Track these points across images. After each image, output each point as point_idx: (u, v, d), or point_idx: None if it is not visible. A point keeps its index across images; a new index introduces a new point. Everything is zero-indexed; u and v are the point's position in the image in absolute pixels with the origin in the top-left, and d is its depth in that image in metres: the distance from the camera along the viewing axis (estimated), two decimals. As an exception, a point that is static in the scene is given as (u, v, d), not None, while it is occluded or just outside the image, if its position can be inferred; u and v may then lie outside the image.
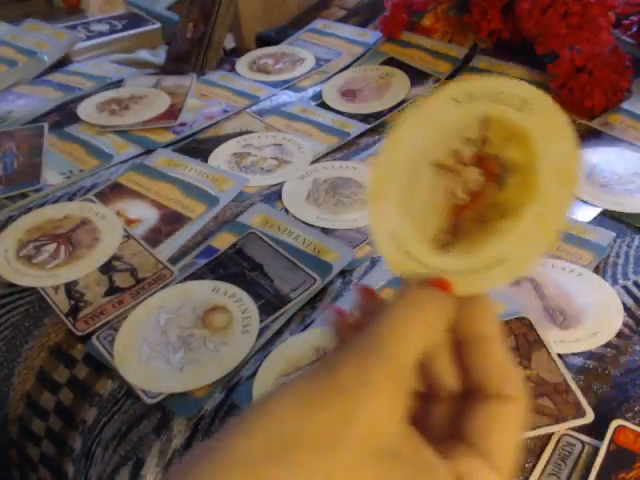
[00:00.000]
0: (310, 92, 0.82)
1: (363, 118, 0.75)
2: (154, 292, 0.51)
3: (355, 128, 0.73)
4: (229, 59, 0.93)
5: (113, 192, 0.63)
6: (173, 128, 0.74)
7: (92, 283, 0.53)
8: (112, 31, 1.01)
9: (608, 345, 0.46)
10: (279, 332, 0.48)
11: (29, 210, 0.61)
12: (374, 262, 0.54)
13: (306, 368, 0.20)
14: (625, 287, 0.51)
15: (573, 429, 0.40)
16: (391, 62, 0.87)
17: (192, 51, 0.89)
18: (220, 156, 0.69)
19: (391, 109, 0.76)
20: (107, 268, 0.54)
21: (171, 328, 0.48)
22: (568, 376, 0.42)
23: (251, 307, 0.49)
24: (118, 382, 0.46)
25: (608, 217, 0.58)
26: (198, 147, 0.71)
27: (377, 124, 0.74)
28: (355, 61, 0.89)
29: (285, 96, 0.81)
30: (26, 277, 0.53)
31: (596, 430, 0.40)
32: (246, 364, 0.46)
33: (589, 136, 0.69)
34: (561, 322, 0.47)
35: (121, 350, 0.47)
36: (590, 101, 0.72)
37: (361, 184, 0.63)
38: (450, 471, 0.22)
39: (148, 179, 0.65)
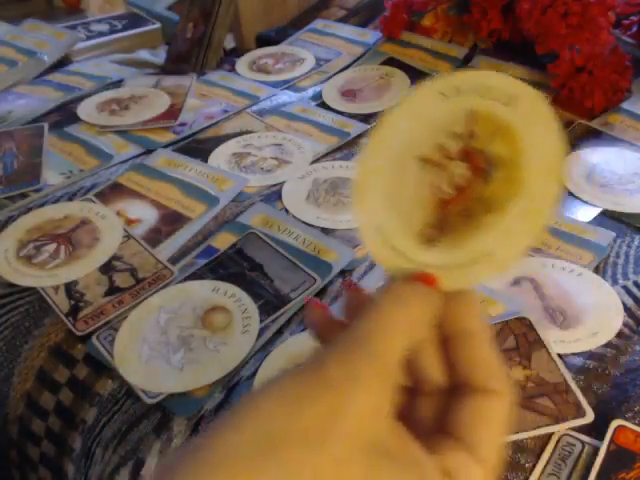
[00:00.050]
0: (310, 92, 0.82)
1: (363, 118, 0.75)
2: (154, 292, 0.51)
3: (355, 128, 0.73)
4: (229, 59, 0.93)
5: (113, 192, 0.63)
6: (173, 128, 0.74)
7: (92, 283, 0.53)
8: (112, 31, 1.01)
9: (608, 345, 0.46)
10: (279, 332, 0.48)
11: (29, 210, 0.61)
12: (374, 262, 0.54)
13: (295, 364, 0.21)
14: (625, 287, 0.51)
15: (573, 429, 0.40)
16: (391, 62, 0.87)
17: (192, 51, 0.89)
18: (220, 156, 0.69)
19: (391, 109, 0.76)
20: (107, 268, 0.54)
21: (171, 328, 0.48)
22: (568, 376, 0.42)
23: (251, 307, 0.49)
24: (118, 382, 0.46)
25: (608, 217, 0.58)
26: (198, 147, 0.71)
27: (377, 124, 0.74)
28: (355, 61, 0.89)
29: (285, 96, 0.81)
30: (26, 277, 0.53)
31: (596, 430, 0.40)
32: (246, 364, 0.46)
33: (589, 136, 0.69)
34: (561, 322, 0.47)
35: (121, 350, 0.47)
36: (590, 101, 0.72)
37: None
38: (437, 466, 0.22)
39: (148, 179, 0.65)
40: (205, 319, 0.48)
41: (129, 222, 0.59)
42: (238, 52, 1.00)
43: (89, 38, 0.98)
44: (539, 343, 0.45)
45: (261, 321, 0.48)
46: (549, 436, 0.40)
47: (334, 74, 0.86)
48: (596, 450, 0.38)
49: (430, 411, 0.25)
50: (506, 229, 0.25)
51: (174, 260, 0.55)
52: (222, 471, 0.19)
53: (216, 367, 0.45)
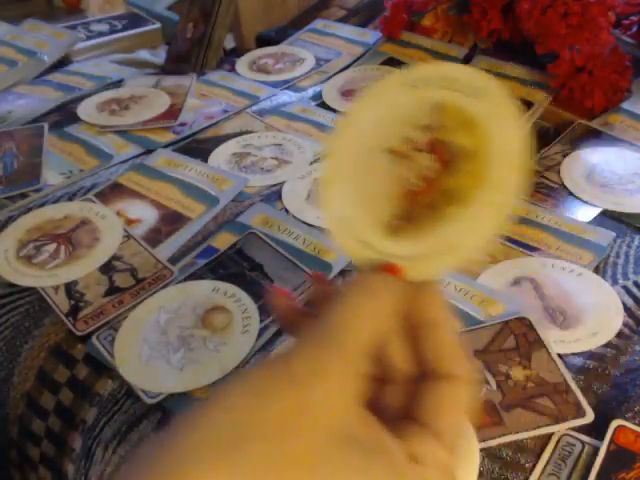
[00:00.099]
0: (310, 92, 0.82)
1: (363, 118, 0.75)
2: (154, 292, 0.51)
3: (355, 128, 0.72)
4: (229, 59, 0.93)
5: (113, 192, 0.63)
6: (173, 128, 0.74)
7: (92, 283, 0.53)
8: (112, 31, 1.01)
9: (608, 345, 0.46)
10: (279, 332, 0.48)
11: (29, 210, 0.61)
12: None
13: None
14: (625, 287, 0.51)
15: (573, 429, 0.40)
16: (391, 62, 0.87)
17: (192, 51, 0.89)
18: (220, 156, 0.69)
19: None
20: (107, 268, 0.54)
21: (171, 328, 0.48)
22: (568, 376, 0.43)
23: (251, 307, 0.49)
24: (118, 382, 0.46)
25: (608, 217, 0.58)
26: (198, 147, 0.71)
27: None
28: (355, 61, 0.89)
29: (285, 96, 0.81)
30: (26, 277, 0.53)
31: (596, 430, 0.40)
32: (246, 364, 0.46)
33: (589, 136, 0.69)
34: (561, 322, 0.47)
35: (121, 350, 0.47)
36: (590, 101, 0.72)
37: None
38: (404, 451, 0.23)
39: (148, 179, 0.65)
40: (205, 319, 0.48)
41: (129, 222, 0.59)
42: (238, 52, 1.00)
43: (89, 38, 0.98)
44: (539, 343, 0.45)
45: (261, 321, 0.48)
46: (549, 436, 0.40)
47: (334, 74, 0.86)
48: (596, 450, 0.38)
49: (399, 399, 0.26)
50: (469, 220, 0.26)
51: (174, 260, 0.55)
52: (189, 464, 0.19)
53: (216, 367, 0.45)
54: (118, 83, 0.85)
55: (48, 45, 0.93)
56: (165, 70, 0.91)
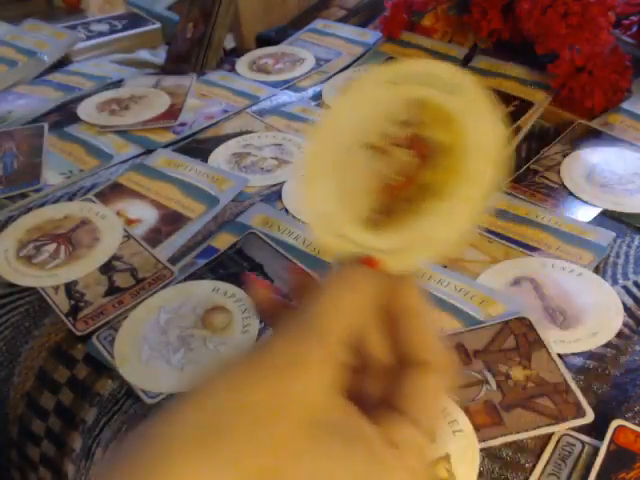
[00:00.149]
0: (310, 92, 0.82)
1: (363, 118, 0.75)
2: (154, 292, 0.51)
3: (355, 128, 0.73)
4: (229, 59, 0.93)
5: (113, 192, 0.63)
6: (173, 128, 0.74)
7: (92, 283, 0.53)
8: (112, 31, 1.01)
9: (608, 345, 0.46)
10: (279, 332, 0.48)
11: (29, 210, 0.61)
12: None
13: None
14: (625, 287, 0.51)
15: (573, 429, 0.40)
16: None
17: (192, 51, 0.89)
18: (220, 156, 0.69)
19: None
20: (107, 268, 0.54)
21: (171, 328, 0.48)
22: (568, 376, 0.43)
23: (251, 307, 0.49)
24: (118, 382, 0.46)
25: (608, 217, 0.58)
26: (198, 147, 0.71)
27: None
28: (355, 61, 0.89)
29: (285, 96, 0.81)
30: (26, 277, 0.53)
31: (596, 430, 0.40)
32: (246, 364, 0.46)
33: (589, 136, 0.69)
34: (561, 322, 0.47)
35: (121, 350, 0.47)
36: (590, 101, 0.72)
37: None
38: (384, 438, 0.23)
39: (148, 179, 0.65)
40: (205, 319, 0.48)
41: (129, 222, 0.59)
42: (238, 52, 1.00)
43: (89, 38, 0.98)
44: (539, 343, 0.45)
45: (261, 321, 0.48)
46: (549, 436, 0.40)
47: (334, 74, 0.86)
48: (596, 450, 0.38)
49: (379, 389, 0.26)
50: (446, 214, 0.26)
51: (174, 260, 0.55)
52: (172, 454, 0.19)
53: (216, 367, 0.45)
54: (118, 83, 0.85)
55: (48, 45, 0.93)
56: (165, 70, 0.91)
